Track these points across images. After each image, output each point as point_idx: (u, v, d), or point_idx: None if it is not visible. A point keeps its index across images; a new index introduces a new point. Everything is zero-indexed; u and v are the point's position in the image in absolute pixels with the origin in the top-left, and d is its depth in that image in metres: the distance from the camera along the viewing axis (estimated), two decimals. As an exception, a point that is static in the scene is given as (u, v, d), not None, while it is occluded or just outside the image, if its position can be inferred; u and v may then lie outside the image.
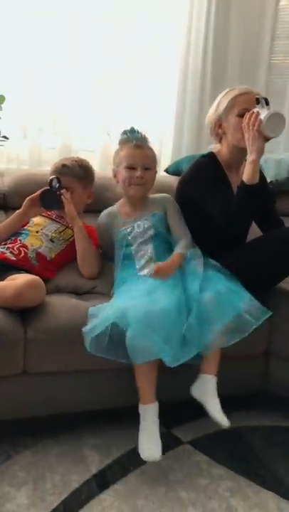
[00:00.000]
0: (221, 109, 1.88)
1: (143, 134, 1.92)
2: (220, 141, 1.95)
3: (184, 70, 3.09)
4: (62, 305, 1.67)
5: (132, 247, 1.86)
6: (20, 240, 1.92)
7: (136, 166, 1.84)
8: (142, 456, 1.51)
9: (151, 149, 1.91)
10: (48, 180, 1.94)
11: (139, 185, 1.86)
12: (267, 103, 1.75)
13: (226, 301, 1.62)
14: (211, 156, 1.96)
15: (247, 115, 1.76)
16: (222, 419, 1.57)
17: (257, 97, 1.78)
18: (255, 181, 1.73)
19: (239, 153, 1.88)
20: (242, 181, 1.75)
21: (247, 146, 1.76)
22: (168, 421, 1.81)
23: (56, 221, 2.02)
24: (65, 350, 1.58)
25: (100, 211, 1.98)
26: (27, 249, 1.89)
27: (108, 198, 2.00)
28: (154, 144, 2.03)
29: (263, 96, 1.79)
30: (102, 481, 1.51)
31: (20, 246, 1.89)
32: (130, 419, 1.62)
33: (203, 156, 1.97)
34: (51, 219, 2.03)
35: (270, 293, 1.83)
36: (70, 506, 1.40)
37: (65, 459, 1.60)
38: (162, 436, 1.69)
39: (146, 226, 1.88)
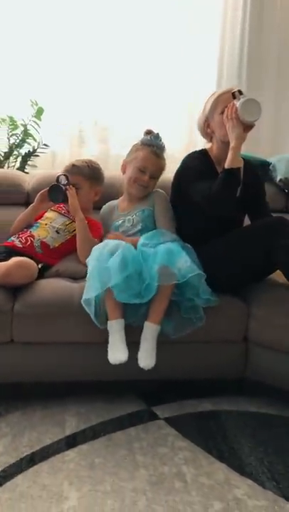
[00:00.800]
0: (207, 111, 2.02)
1: (164, 143, 2.12)
2: (210, 140, 2.08)
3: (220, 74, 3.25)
4: (49, 285, 1.89)
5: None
6: (30, 231, 2.18)
7: (146, 171, 2.05)
8: (110, 361, 1.70)
9: (164, 160, 2.11)
10: (56, 177, 2.18)
11: (142, 186, 2.04)
12: (241, 93, 1.89)
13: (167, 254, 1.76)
14: (202, 152, 2.10)
15: (226, 109, 1.88)
16: (143, 360, 1.72)
17: (233, 91, 1.90)
18: (235, 166, 1.85)
19: (227, 148, 1.99)
20: (224, 167, 1.87)
21: (228, 135, 1.88)
22: (151, 399, 1.95)
23: (64, 215, 2.25)
24: (47, 323, 1.80)
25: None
26: (33, 238, 2.13)
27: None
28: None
29: (238, 89, 1.91)
30: (71, 441, 1.69)
31: (28, 236, 2.14)
32: (116, 392, 1.80)
33: (194, 152, 2.11)
34: (60, 213, 2.26)
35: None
36: (36, 457, 1.59)
37: (47, 420, 1.80)
38: (141, 412, 1.86)
39: (135, 221, 2.06)
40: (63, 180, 2.17)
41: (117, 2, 3.20)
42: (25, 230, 2.20)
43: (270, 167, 2.60)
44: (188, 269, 1.75)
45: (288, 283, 1.88)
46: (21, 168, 3.19)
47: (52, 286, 1.87)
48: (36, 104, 3.11)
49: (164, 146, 2.14)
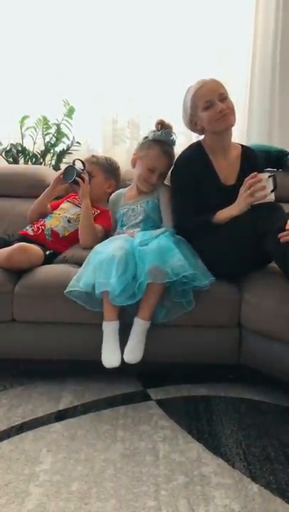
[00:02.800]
0: (188, 111, 2.06)
1: (175, 138, 2.17)
2: (203, 133, 2.11)
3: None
4: (52, 270, 2.01)
5: (123, 228, 2.12)
6: (44, 221, 2.32)
7: (156, 170, 2.13)
8: (104, 364, 1.79)
9: (174, 157, 2.15)
10: (72, 161, 2.31)
11: (150, 184, 2.14)
12: (275, 186, 1.85)
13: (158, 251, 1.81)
14: (197, 145, 2.13)
15: (252, 178, 1.86)
16: (128, 355, 1.79)
17: (270, 175, 1.86)
18: (220, 223, 1.92)
19: (219, 138, 2.03)
20: (213, 215, 1.94)
21: (238, 199, 1.90)
22: (149, 382, 2.01)
23: (78, 206, 2.36)
24: (45, 304, 1.92)
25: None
26: (44, 227, 2.27)
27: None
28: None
29: (273, 174, 1.87)
30: (61, 415, 1.79)
31: (41, 225, 2.29)
32: (116, 374, 1.87)
33: (189, 147, 2.15)
34: (74, 204, 2.38)
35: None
36: (24, 426, 1.72)
37: (44, 396, 1.92)
38: (135, 393, 1.93)
39: (138, 211, 2.14)
40: (79, 164, 2.30)
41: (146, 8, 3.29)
42: (40, 220, 2.34)
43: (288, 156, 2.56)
44: (180, 268, 1.79)
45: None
46: (57, 165, 3.36)
47: (54, 271, 1.99)
48: (68, 104, 3.26)
49: (174, 142, 2.18)
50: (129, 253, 1.84)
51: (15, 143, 3.36)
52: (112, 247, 1.88)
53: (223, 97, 2.00)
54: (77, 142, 3.35)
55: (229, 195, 1.97)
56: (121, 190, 2.31)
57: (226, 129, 2.04)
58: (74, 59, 3.31)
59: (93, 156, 2.44)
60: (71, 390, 1.96)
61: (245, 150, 2.13)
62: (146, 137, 2.23)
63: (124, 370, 1.82)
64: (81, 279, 1.85)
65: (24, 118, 3.36)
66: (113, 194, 2.33)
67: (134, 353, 1.79)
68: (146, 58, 3.38)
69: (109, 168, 2.40)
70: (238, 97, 3.18)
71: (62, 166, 3.35)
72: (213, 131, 2.01)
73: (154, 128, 2.20)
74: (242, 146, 2.16)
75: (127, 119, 3.50)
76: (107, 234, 2.25)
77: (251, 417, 1.79)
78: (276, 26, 3.24)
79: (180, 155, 2.13)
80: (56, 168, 3.32)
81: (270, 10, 3.25)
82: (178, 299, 1.86)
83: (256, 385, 1.98)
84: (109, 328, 1.82)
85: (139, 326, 1.81)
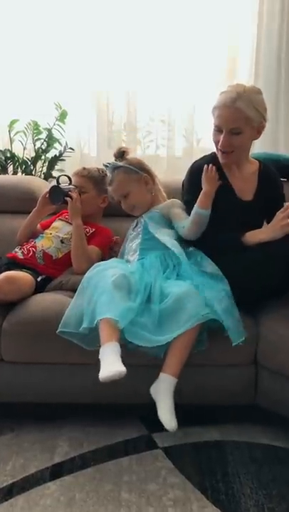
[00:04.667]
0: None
1: (117, 163, 1.99)
2: None
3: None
4: (43, 301, 1.78)
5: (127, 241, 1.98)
6: (34, 242, 2.09)
7: (118, 199, 2.01)
8: (103, 377, 1.44)
9: (124, 174, 1.97)
10: (56, 178, 2.09)
11: (129, 211, 2.02)
12: None
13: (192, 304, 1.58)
14: (211, 156, 1.92)
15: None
16: (169, 422, 1.53)
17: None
18: (248, 244, 1.74)
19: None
20: (241, 235, 1.74)
21: (272, 225, 1.71)
22: (153, 425, 1.79)
23: (71, 224, 2.14)
24: (37, 343, 1.69)
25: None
26: (36, 249, 2.04)
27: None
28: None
29: None
30: (57, 471, 1.58)
31: (32, 246, 2.06)
32: (116, 416, 1.70)
33: (203, 158, 1.94)
34: (68, 222, 2.16)
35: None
36: (15, 488, 1.50)
37: (38, 445, 1.70)
38: (141, 438, 1.72)
39: (140, 221, 1.98)
40: (64, 180, 2.09)
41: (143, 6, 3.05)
42: (30, 240, 2.12)
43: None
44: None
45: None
46: (48, 173, 3.13)
47: (45, 303, 1.77)
48: (60, 108, 3.03)
49: (115, 166, 1.99)
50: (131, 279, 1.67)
51: (3, 149, 3.12)
52: (109, 273, 1.67)
53: (235, 132, 1.77)
54: (70, 148, 3.11)
55: (246, 211, 1.84)
56: None
57: (225, 165, 1.86)
58: (67, 58, 3.07)
59: (84, 168, 2.20)
60: (67, 438, 1.75)
61: (264, 167, 1.95)
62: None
63: (126, 411, 1.60)
64: (72, 316, 1.63)
65: (13, 122, 3.13)
66: None
67: (174, 418, 1.54)
68: (145, 56, 3.14)
69: (100, 180, 2.16)
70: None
71: (55, 174, 3.13)
72: None
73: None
74: (260, 162, 1.95)
75: (123, 121, 3.27)
76: (103, 256, 2.04)
77: (270, 469, 1.58)
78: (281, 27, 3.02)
79: (192, 165, 1.93)
80: (47, 176, 3.09)
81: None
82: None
83: (272, 427, 1.78)
84: (110, 349, 1.50)
85: (168, 383, 1.57)
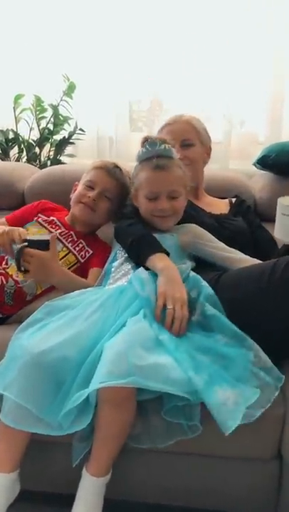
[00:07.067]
0: None
1: (168, 145, 1.46)
2: None
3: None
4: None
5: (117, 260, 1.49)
6: (6, 260, 1.54)
7: (159, 195, 1.44)
8: None
9: (180, 168, 1.47)
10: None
11: (163, 218, 1.47)
12: None
13: None
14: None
15: None
16: None
17: None
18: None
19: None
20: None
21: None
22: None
23: (59, 240, 1.59)
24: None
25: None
26: (6, 281, 1.51)
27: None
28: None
29: None
30: None
31: (2, 269, 1.52)
32: None
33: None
34: (49, 229, 1.61)
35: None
36: None
37: None
38: None
39: None
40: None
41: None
42: (2, 255, 1.56)
43: None
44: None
45: None
46: (55, 159, 2.60)
47: None
48: (68, 80, 2.45)
49: (168, 149, 1.45)
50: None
51: (4, 129, 2.61)
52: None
53: (188, 144, 1.66)
54: (81, 129, 2.55)
55: (223, 225, 1.57)
56: None
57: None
58: (78, 23, 2.47)
59: (117, 166, 1.64)
60: None
61: (237, 199, 1.77)
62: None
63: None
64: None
65: (18, 97, 2.58)
66: None
67: None
68: (173, 22, 2.48)
69: (128, 192, 1.61)
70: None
71: (63, 159, 2.61)
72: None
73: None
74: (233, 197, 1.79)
75: (150, 98, 2.66)
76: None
77: None
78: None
79: None
80: (54, 162, 2.55)
81: None
82: (172, 418, 1.12)
83: None
84: None
85: (92, 485, 1.11)
